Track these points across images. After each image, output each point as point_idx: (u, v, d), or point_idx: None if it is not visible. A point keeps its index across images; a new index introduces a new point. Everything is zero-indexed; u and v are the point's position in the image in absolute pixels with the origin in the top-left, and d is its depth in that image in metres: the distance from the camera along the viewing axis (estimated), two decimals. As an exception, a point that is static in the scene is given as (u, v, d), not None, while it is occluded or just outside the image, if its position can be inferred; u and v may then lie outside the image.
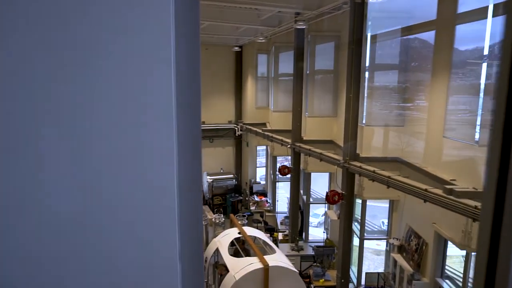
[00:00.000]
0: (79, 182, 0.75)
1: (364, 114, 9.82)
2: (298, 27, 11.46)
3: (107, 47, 0.72)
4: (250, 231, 10.39)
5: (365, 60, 9.64)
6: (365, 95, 9.78)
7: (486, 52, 6.58)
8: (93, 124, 0.74)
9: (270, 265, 8.06)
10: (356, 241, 10.81)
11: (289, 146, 12.78)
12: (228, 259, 8.78)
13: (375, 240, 14.93)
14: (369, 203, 11.62)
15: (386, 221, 10.81)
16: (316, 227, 16.30)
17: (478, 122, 6.57)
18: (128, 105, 0.74)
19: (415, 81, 9.44)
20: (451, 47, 7.45)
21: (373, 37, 9.81)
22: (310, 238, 13.97)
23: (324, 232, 12.72)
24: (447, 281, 7.97)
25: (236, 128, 18.81)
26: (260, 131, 15.34)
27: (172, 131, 0.76)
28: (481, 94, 6.70)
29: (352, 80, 9.20)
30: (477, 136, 6.57)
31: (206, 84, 18.64)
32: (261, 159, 20.11)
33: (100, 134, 0.74)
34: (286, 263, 8.61)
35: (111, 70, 0.72)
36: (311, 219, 15.92)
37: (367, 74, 9.86)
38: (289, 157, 13.43)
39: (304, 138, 12.73)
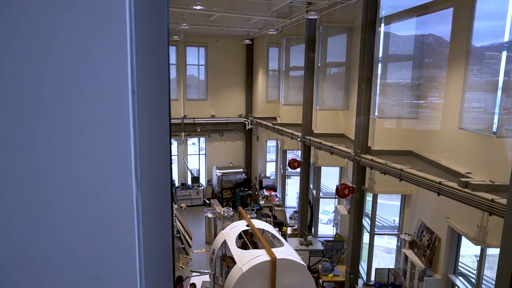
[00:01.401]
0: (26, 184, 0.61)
1: (377, 106, 9.59)
2: (310, 17, 11.24)
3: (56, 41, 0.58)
4: (259, 224, 10.27)
5: (378, 50, 9.40)
6: (378, 86, 9.54)
7: (506, 38, 6.30)
8: (41, 124, 0.60)
9: (277, 257, 7.94)
10: (366, 239, 10.61)
11: (299, 139, 12.61)
12: (236, 251, 8.69)
13: (385, 238, 14.69)
14: (380, 200, 11.39)
15: (397, 219, 10.57)
16: (326, 224, 16.10)
17: (497, 112, 6.30)
18: (79, 108, 0.60)
19: (430, 71, 9.16)
20: (469, 35, 7.18)
21: (387, 19, 9.50)
22: (319, 234, 13.79)
23: (333, 226, 12.54)
24: (460, 278, 7.73)
25: (246, 122, 18.70)
26: (270, 124, 15.20)
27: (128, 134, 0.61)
28: (500, 83, 6.42)
29: (364, 71, 8.99)
30: (494, 127, 6.31)
31: (216, 77, 18.59)
32: (271, 156, 19.98)
33: (50, 137, 0.60)
34: (294, 256, 8.47)
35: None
36: (321, 216, 15.74)
37: (380, 65, 9.60)
38: (299, 152, 13.26)
39: (315, 132, 12.56)
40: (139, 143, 0.59)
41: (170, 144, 0.67)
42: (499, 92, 6.34)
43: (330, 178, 14.89)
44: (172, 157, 19.55)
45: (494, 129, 6.28)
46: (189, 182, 18.93)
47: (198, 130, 18.60)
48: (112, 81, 0.57)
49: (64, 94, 0.56)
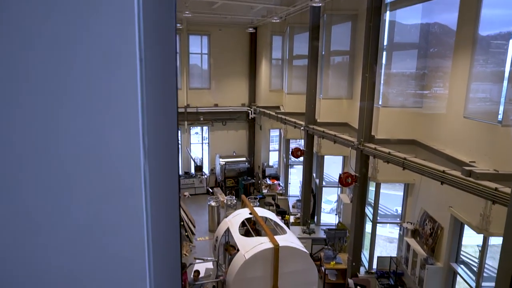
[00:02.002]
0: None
1: (381, 95, 9.52)
2: (314, 4, 11.11)
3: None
4: (261, 212, 10.33)
5: (383, 38, 9.30)
6: (382, 75, 9.46)
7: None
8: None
9: (280, 245, 8.00)
10: (368, 228, 10.65)
11: (302, 128, 12.58)
12: (239, 239, 8.76)
13: (388, 228, 14.75)
14: (383, 190, 11.37)
15: (400, 208, 10.59)
16: (329, 213, 16.17)
17: (503, 100, 6.24)
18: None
19: (435, 61, 9.06)
20: (476, 24, 7.07)
21: (392, 5, 9.36)
22: (322, 222, 13.86)
23: (336, 215, 12.59)
24: (462, 266, 7.78)
25: (250, 111, 18.66)
26: (274, 113, 15.16)
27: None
28: (507, 73, 6.34)
29: (368, 59, 8.91)
30: (500, 116, 6.25)
31: (219, 66, 18.50)
32: (275, 145, 19.99)
33: (56, 102, 0.60)
34: (296, 243, 8.53)
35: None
36: (324, 206, 15.79)
37: (384, 53, 9.51)
38: (302, 141, 13.25)
39: (318, 121, 12.52)
40: (147, 111, 0.59)
41: (177, 114, 0.67)
42: (505, 82, 6.27)
43: (333, 167, 14.91)
44: (175, 146, 19.59)
45: (500, 118, 6.23)
46: (192, 171, 19.01)
47: (201, 119, 18.60)
48: (120, 47, 0.57)
49: (71, 60, 0.56)
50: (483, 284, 6.93)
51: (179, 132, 18.99)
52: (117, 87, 0.57)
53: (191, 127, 19.31)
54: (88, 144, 0.58)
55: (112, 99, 0.57)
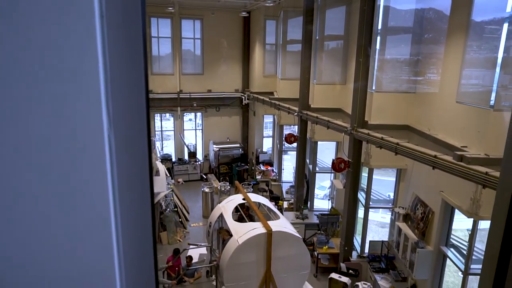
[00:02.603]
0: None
1: (374, 80, 9.48)
2: (308, -12, 10.93)
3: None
4: (255, 197, 10.35)
5: (377, 23, 9.20)
6: (376, 60, 9.40)
7: (508, 9, 6.16)
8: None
9: (273, 230, 8.05)
10: (361, 213, 10.74)
11: (296, 114, 12.54)
12: (232, 224, 8.79)
13: (380, 213, 14.91)
14: (376, 176, 11.41)
15: (392, 194, 10.67)
16: (322, 199, 16.28)
17: (495, 86, 6.24)
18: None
19: (429, 46, 9.00)
20: (469, 9, 7.01)
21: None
22: (315, 208, 13.95)
23: (329, 200, 12.68)
24: (451, 249, 7.90)
25: (243, 97, 18.54)
26: (267, 99, 15.07)
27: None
28: (500, 57, 6.33)
29: (363, 44, 8.83)
30: (492, 100, 6.26)
31: (212, 51, 18.27)
32: (268, 132, 19.95)
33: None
34: (289, 228, 8.59)
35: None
36: (317, 192, 15.87)
37: (378, 38, 9.42)
38: (296, 127, 13.22)
39: (312, 106, 12.48)
40: (110, 71, 0.54)
41: (147, 77, 0.61)
42: (498, 68, 6.26)
43: (326, 153, 14.94)
44: (169, 131, 19.51)
45: (492, 103, 6.23)
46: (186, 157, 18.95)
47: (195, 105, 18.45)
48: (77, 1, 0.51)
49: (24, 16, 0.50)
50: (472, 266, 7.06)
51: (173, 118, 18.87)
52: (74, 42, 0.51)
53: (184, 113, 19.16)
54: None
55: (67, 56, 0.51)
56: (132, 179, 0.59)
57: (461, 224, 9.03)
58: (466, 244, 7.48)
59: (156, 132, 18.82)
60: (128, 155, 0.57)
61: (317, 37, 12.47)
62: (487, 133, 6.45)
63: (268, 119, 19.82)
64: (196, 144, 19.45)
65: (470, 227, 7.06)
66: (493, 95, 6.33)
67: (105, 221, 0.55)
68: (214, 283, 9.62)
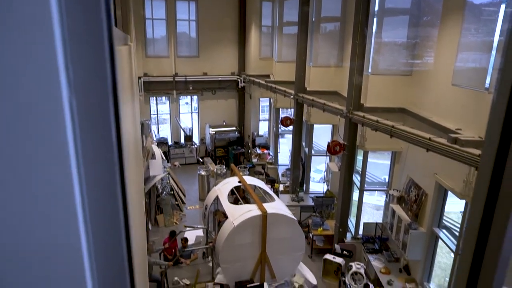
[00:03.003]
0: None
1: (371, 62, 9.41)
2: (305, -32, 10.71)
3: None
4: (250, 180, 10.41)
5: (374, 4, 9.07)
6: (372, 42, 9.31)
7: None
8: None
9: (268, 212, 8.13)
10: (356, 196, 10.84)
11: (292, 97, 12.48)
12: (227, 207, 8.86)
13: (375, 196, 15.04)
14: (371, 160, 11.44)
15: (387, 177, 10.74)
16: (319, 182, 16.39)
17: (490, 68, 6.21)
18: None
19: (426, 29, 8.91)
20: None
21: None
22: (311, 191, 14.06)
23: (324, 183, 12.77)
24: (443, 230, 8.02)
25: (239, 80, 18.40)
26: (263, 82, 14.96)
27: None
28: (496, 40, 6.28)
29: (359, 26, 8.73)
30: (487, 83, 6.25)
31: (207, 33, 18.01)
32: (265, 115, 19.89)
33: None
34: (285, 211, 8.67)
35: None
36: (313, 175, 15.95)
37: (375, 19, 9.31)
38: (292, 110, 13.18)
39: (308, 89, 12.41)
40: (67, 21, 0.47)
41: (110, 30, 0.54)
42: (494, 51, 6.22)
43: (323, 137, 14.96)
44: (165, 115, 19.41)
45: (487, 85, 6.22)
46: (182, 140, 18.93)
47: (190, 88, 18.31)
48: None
49: None
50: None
51: (168, 101, 18.73)
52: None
53: (180, 97, 19.03)
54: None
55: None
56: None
57: (454, 206, 9.14)
58: (458, 225, 7.60)
59: (152, 116, 18.72)
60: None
61: (313, 19, 12.30)
62: (481, 116, 6.46)
63: (264, 103, 19.73)
64: (192, 128, 19.40)
65: (463, 209, 7.15)
66: (488, 78, 6.31)
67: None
68: (210, 264, 9.76)
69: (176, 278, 9.12)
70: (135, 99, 6.00)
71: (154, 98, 18.67)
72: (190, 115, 19.68)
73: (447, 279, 7.89)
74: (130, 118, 3.17)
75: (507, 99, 1.13)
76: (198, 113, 19.40)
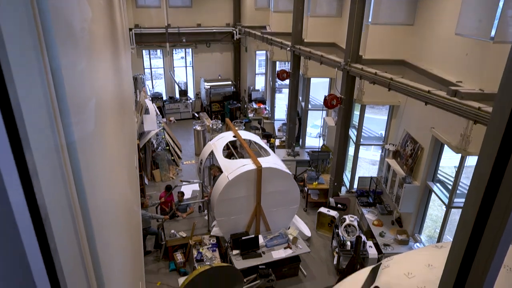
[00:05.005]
0: None
1: (371, 10, 8.93)
2: None
3: None
4: (246, 135, 10.30)
5: None
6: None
7: None
8: None
9: (263, 166, 8.10)
10: (352, 151, 10.79)
11: (288, 49, 12.04)
12: (222, 161, 8.82)
13: (372, 151, 15.06)
14: (368, 115, 11.22)
15: (383, 132, 10.63)
16: (316, 137, 16.34)
17: (497, 16, 5.86)
18: None
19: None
20: None
21: None
22: (307, 145, 14.02)
23: (320, 137, 12.70)
24: (437, 184, 8.07)
25: (234, 32, 17.70)
26: (259, 34, 14.37)
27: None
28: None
29: (360, -30, 8.17)
30: (492, 32, 5.93)
31: (201, -20, 17.03)
32: (261, 70, 19.37)
33: None
34: (279, 165, 8.65)
35: None
36: (311, 130, 15.83)
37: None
38: (289, 64, 12.77)
39: (305, 41, 11.94)
40: None
41: None
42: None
43: (320, 93, 14.66)
44: (159, 69, 18.88)
45: (492, 34, 5.91)
46: (177, 95, 18.58)
47: (184, 40, 17.64)
48: None
49: None
50: (456, 200, 7.25)
51: (162, 54, 18.13)
52: None
53: (174, 50, 18.40)
54: None
55: None
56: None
57: (448, 162, 9.15)
58: (452, 179, 7.61)
59: (146, 70, 18.20)
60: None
61: (312, -36, 11.55)
62: (484, 68, 6.22)
63: (261, 57, 19.16)
64: (187, 82, 18.96)
65: (457, 164, 7.13)
66: (495, 26, 5.98)
67: None
68: (206, 217, 9.92)
69: (172, 231, 9.30)
70: (122, 51, 5.71)
71: (147, 51, 18.05)
72: (184, 69, 19.16)
73: (438, 230, 8.06)
74: (107, 70, 2.95)
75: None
76: (192, 67, 18.87)
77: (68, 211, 1.17)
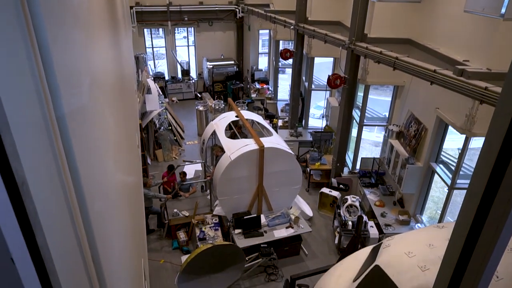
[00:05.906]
0: None
1: (378, -13, 8.67)
2: None
3: None
4: (248, 114, 10.23)
5: None
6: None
7: None
8: None
9: (265, 146, 8.07)
10: (355, 132, 10.70)
11: (292, 27, 11.80)
12: (225, 141, 8.79)
13: (375, 132, 14.96)
14: (372, 96, 11.02)
15: (387, 113, 10.50)
16: (319, 118, 16.22)
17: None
18: None
19: None
20: None
21: None
22: (310, 126, 13.94)
23: (323, 118, 12.61)
24: (440, 165, 8.02)
25: (237, 10, 17.34)
26: (263, 12, 14.07)
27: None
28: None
29: None
30: (503, 9, 5.74)
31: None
32: (265, 50, 19.06)
33: None
34: (282, 145, 8.62)
35: None
36: (314, 111, 15.68)
37: None
38: (293, 43, 12.54)
39: (309, 19, 11.69)
40: None
41: None
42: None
43: (324, 73, 14.46)
44: (161, 48, 18.63)
45: (503, 11, 5.72)
46: (180, 75, 18.41)
47: (186, 19, 17.33)
48: None
49: None
50: (458, 181, 7.22)
51: (163, 33, 17.86)
52: None
53: (176, 29, 18.10)
54: None
55: None
56: None
57: (452, 144, 9.05)
58: (455, 161, 7.56)
59: (148, 50, 17.98)
60: None
61: None
62: (492, 46, 6.06)
63: (264, 36, 18.83)
64: (189, 62, 18.74)
65: (461, 146, 7.05)
66: (505, 3, 5.79)
67: None
68: (209, 197, 9.98)
69: (175, 210, 9.37)
70: (122, 29, 5.60)
71: (148, 30, 17.77)
72: (187, 49, 18.90)
73: (439, 211, 8.07)
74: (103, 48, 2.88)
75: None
76: (195, 46, 18.61)
77: (60, 188, 1.14)
